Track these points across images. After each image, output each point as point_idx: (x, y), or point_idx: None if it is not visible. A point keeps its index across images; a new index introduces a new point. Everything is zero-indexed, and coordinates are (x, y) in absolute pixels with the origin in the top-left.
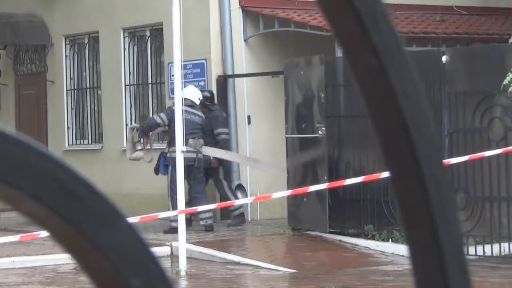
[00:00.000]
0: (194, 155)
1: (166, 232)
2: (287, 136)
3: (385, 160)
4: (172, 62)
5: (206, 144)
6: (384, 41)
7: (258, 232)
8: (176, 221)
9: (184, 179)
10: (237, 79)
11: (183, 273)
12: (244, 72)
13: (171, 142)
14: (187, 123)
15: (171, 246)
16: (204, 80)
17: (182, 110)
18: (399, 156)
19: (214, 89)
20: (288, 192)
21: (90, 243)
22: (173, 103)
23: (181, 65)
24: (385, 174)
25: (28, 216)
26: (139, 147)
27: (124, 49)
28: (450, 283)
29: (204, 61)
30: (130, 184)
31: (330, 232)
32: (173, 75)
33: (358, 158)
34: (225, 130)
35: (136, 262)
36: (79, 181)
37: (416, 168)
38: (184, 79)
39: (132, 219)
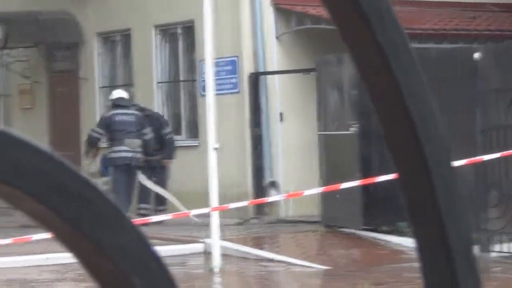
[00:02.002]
0: (130, 154)
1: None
2: (319, 133)
3: (392, 159)
4: (204, 60)
5: (148, 143)
6: (390, 40)
7: (292, 229)
8: (143, 209)
9: (125, 177)
10: (269, 76)
11: (216, 270)
12: (276, 69)
13: (111, 144)
14: (122, 123)
15: (204, 243)
16: (235, 77)
17: (113, 113)
18: (406, 155)
19: (246, 86)
20: (320, 190)
21: (93, 244)
22: (104, 112)
23: (213, 62)
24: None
25: (30, 215)
26: (87, 161)
27: (156, 46)
28: (459, 282)
29: (235, 58)
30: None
31: (364, 229)
32: (204, 73)
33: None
34: (169, 129)
35: (139, 262)
36: (81, 181)
37: (424, 167)
38: (215, 76)
39: (164, 216)
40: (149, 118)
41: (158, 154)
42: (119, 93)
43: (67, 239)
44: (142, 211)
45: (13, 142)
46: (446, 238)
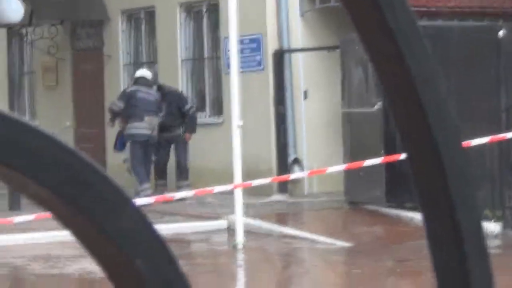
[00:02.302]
0: (148, 132)
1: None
2: (343, 111)
3: (402, 143)
4: (228, 37)
5: (174, 121)
6: (402, 27)
7: (315, 206)
8: (145, 190)
9: (143, 152)
10: (293, 54)
11: (240, 246)
12: (300, 47)
13: (129, 120)
14: (143, 100)
15: (228, 219)
16: (260, 55)
17: (136, 89)
18: (417, 141)
19: (270, 64)
20: (343, 167)
21: (97, 228)
22: (128, 86)
23: (237, 40)
24: None
25: (34, 199)
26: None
27: (181, 24)
28: (468, 266)
29: (260, 36)
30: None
31: (387, 206)
32: (229, 50)
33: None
34: (190, 105)
35: (144, 247)
36: (85, 165)
37: (434, 152)
38: (240, 54)
39: (186, 193)
40: (170, 95)
41: (179, 128)
42: (142, 72)
43: (70, 222)
44: (159, 188)
45: (14, 124)
46: (456, 221)
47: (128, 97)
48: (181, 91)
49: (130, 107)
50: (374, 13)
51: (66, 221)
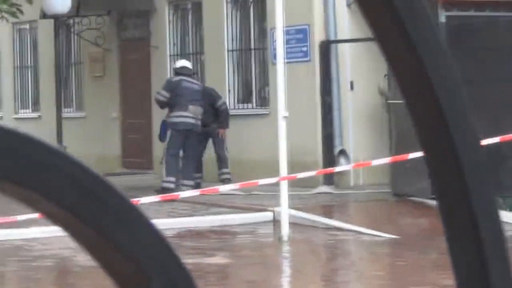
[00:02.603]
0: (193, 121)
1: (156, 191)
2: (389, 101)
3: (420, 142)
4: (275, 28)
5: (208, 117)
6: (423, 37)
7: (361, 198)
8: (168, 182)
9: (182, 143)
10: (339, 45)
11: (285, 238)
12: (347, 38)
13: (174, 109)
14: (188, 90)
15: (273, 211)
16: (306, 46)
17: (180, 79)
18: (438, 151)
19: (316, 55)
20: (388, 159)
21: (109, 243)
22: (172, 76)
23: (283, 30)
24: (488, 141)
25: (46, 215)
26: None
27: (227, 14)
28: (488, 267)
29: (306, 26)
30: (232, 149)
31: (433, 198)
32: (275, 41)
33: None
34: (222, 101)
35: (157, 261)
36: (96, 179)
37: (451, 149)
38: (286, 44)
39: (232, 186)
40: (204, 95)
41: (213, 124)
42: (183, 63)
43: (82, 238)
44: (197, 180)
45: (23, 141)
46: (476, 223)
47: (173, 87)
48: (212, 88)
49: (175, 97)
50: (394, 24)
51: (79, 238)
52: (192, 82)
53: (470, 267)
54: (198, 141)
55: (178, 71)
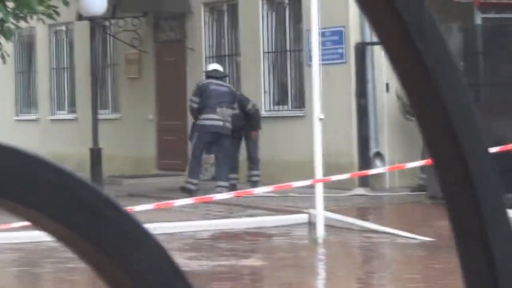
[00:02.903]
0: (221, 123)
1: (181, 188)
2: None
3: (427, 148)
4: (310, 29)
5: (239, 121)
6: (431, 50)
7: (396, 200)
8: (189, 183)
9: (210, 145)
10: (375, 47)
11: (320, 241)
12: None
13: (202, 112)
14: (216, 92)
15: (308, 213)
16: (342, 48)
17: (208, 82)
18: (446, 162)
19: (352, 57)
20: (422, 162)
21: (116, 263)
22: (200, 80)
23: (319, 32)
24: None
25: (51, 235)
26: None
27: (263, 16)
28: (498, 275)
29: (342, 28)
30: (268, 151)
31: None
32: (311, 43)
33: (499, 127)
34: (251, 104)
35: (165, 282)
36: (102, 199)
37: (459, 156)
38: (322, 46)
39: (265, 188)
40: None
41: (245, 127)
42: (214, 66)
43: (89, 258)
44: (232, 181)
45: (27, 160)
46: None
47: (201, 91)
48: (241, 93)
49: (203, 100)
50: (402, 36)
51: (85, 257)
52: (220, 84)
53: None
54: (230, 143)
55: (209, 74)
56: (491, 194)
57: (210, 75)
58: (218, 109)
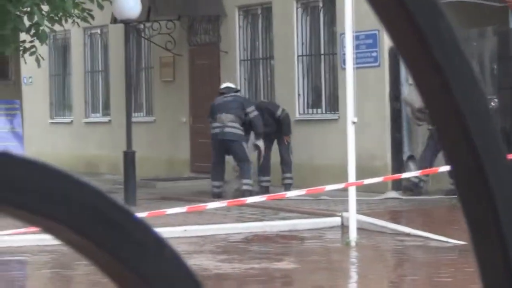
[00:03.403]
0: (218, 130)
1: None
2: None
3: (446, 157)
4: (344, 33)
5: (271, 128)
6: (449, 59)
7: (429, 203)
8: (213, 187)
9: (221, 151)
10: None
11: (353, 244)
12: None
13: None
14: (220, 105)
15: (341, 216)
16: (376, 51)
17: (217, 98)
18: (464, 169)
19: (386, 60)
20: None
21: (133, 273)
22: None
23: (353, 35)
24: None
25: (70, 246)
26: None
27: (297, 19)
28: None
29: (376, 32)
30: (301, 154)
31: None
32: (345, 46)
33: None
34: (280, 110)
35: None
36: (118, 209)
37: (478, 166)
38: (356, 49)
39: (298, 192)
40: (262, 108)
41: (276, 132)
42: (226, 84)
43: (106, 268)
44: (264, 183)
45: (43, 171)
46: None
47: (211, 110)
48: (268, 101)
49: (211, 114)
50: (419, 44)
51: (103, 268)
52: (225, 97)
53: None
54: (240, 146)
55: (221, 91)
56: (509, 199)
57: (223, 92)
58: (218, 116)
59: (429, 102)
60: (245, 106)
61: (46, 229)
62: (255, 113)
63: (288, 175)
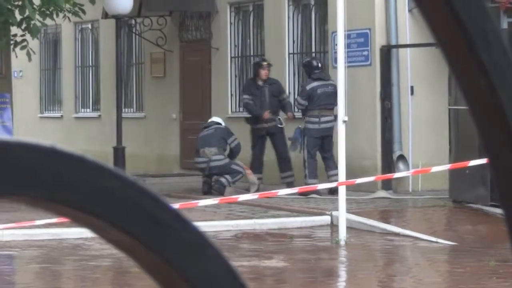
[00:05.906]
0: (204, 165)
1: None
2: (450, 107)
3: (490, 166)
4: (336, 31)
5: (273, 109)
6: (495, 62)
7: (419, 203)
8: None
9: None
10: (400, 50)
11: (342, 242)
12: (408, 43)
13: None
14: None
15: (331, 215)
16: (367, 50)
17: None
18: (509, 173)
19: (377, 59)
20: (447, 166)
21: (177, 272)
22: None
23: (345, 34)
24: None
25: (113, 244)
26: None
27: (289, 17)
28: None
29: (368, 30)
30: (292, 152)
31: (492, 205)
32: (336, 45)
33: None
34: (287, 93)
35: None
36: (164, 208)
37: None
38: (347, 48)
39: (290, 190)
40: (270, 84)
41: (274, 119)
42: (213, 118)
43: (150, 267)
44: (288, 180)
45: (92, 169)
46: None
47: (197, 143)
48: (276, 81)
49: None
50: (465, 47)
51: (147, 267)
52: (207, 129)
53: None
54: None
55: (205, 125)
56: None
57: (206, 125)
58: (201, 150)
59: (473, 105)
60: (226, 138)
61: (91, 228)
62: (236, 142)
63: (289, 172)
